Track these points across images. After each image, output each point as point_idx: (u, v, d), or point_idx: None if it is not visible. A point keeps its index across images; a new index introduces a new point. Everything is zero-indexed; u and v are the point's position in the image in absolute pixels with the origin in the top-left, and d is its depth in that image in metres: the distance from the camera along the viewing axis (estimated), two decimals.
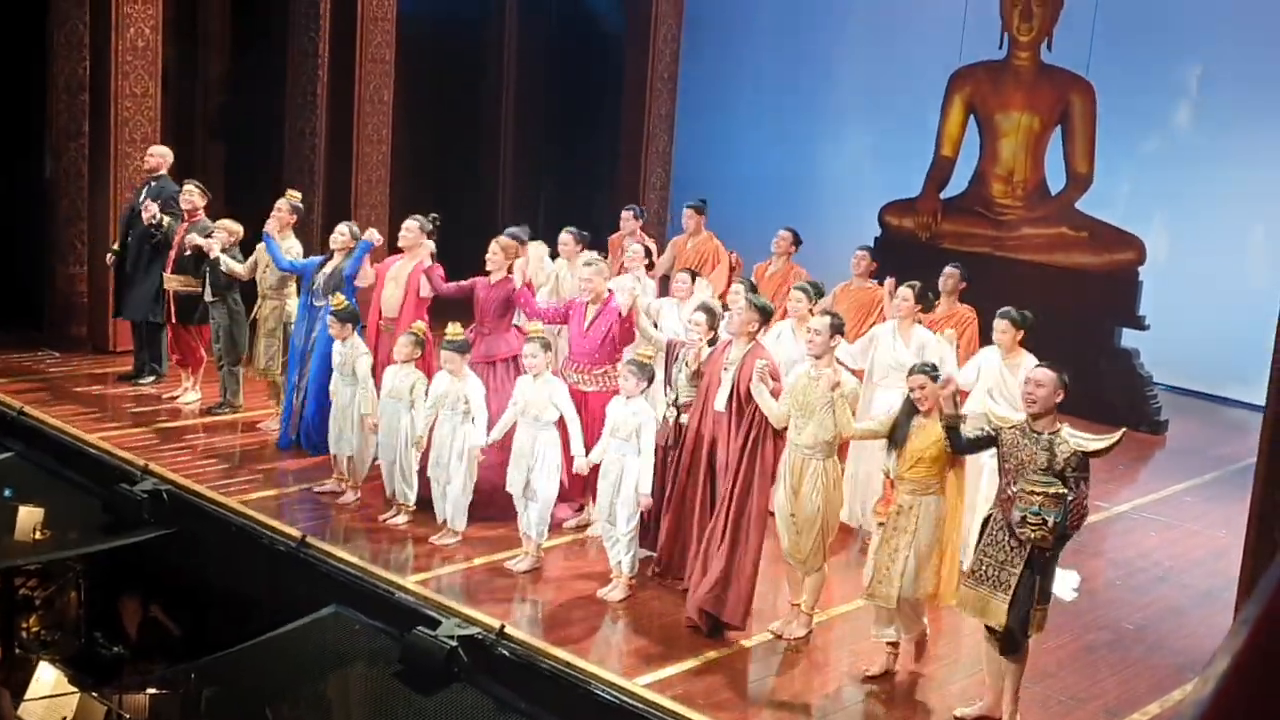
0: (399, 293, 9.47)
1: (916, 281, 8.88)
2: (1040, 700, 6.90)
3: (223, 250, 10.00)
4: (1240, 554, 7.45)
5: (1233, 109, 12.70)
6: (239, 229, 10.24)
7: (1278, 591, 1.17)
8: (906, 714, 6.66)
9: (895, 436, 6.70)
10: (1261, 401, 7.51)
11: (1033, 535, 6.02)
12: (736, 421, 7.36)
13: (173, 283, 10.43)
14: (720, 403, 7.42)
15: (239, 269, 10.03)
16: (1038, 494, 6.01)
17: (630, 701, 6.33)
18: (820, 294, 8.93)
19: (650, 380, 7.61)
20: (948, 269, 9.76)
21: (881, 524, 6.92)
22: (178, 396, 10.58)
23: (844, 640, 7.37)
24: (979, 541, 6.36)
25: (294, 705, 7.47)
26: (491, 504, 8.45)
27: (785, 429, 7.15)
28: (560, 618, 7.40)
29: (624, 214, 11.73)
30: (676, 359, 8.09)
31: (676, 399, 7.94)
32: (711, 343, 7.89)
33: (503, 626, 6.84)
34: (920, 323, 8.84)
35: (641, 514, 7.70)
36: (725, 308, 8.54)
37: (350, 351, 8.78)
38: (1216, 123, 12.86)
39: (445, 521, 8.21)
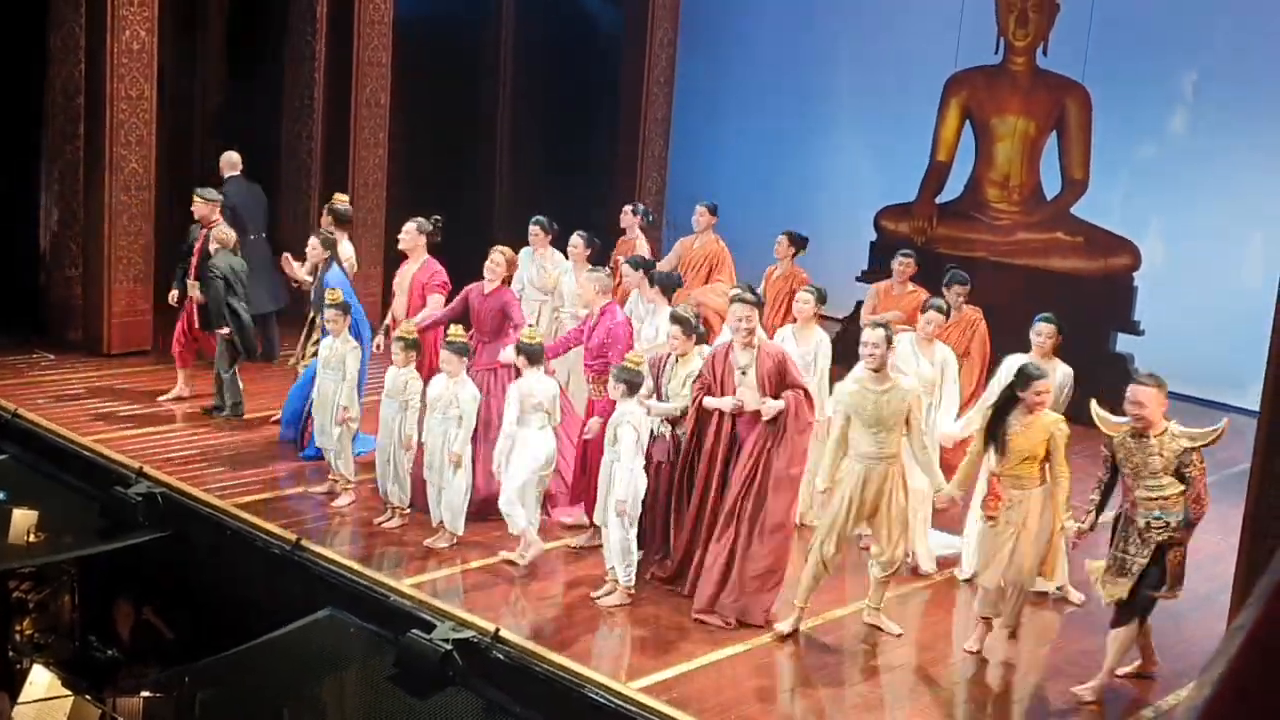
0: (404, 300, 9.55)
1: (943, 302, 8.99)
2: (1037, 703, 6.91)
3: (217, 252, 10.14)
4: (1235, 558, 7.46)
5: (1229, 114, 12.71)
6: (232, 235, 10.34)
7: (1273, 597, 1.17)
8: (901, 715, 6.67)
9: (994, 437, 6.88)
10: (1256, 407, 7.52)
11: (1160, 538, 6.51)
12: (758, 425, 7.47)
13: (195, 289, 10.42)
14: (752, 402, 7.46)
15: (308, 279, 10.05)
16: (1156, 499, 6.51)
17: (625, 705, 6.33)
18: (824, 299, 8.93)
19: (633, 387, 7.58)
20: (954, 274, 9.92)
21: (991, 519, 6.98)
22: (172, 395, 10.58)
23: (838, 644, 7.37)
24: (1112, 540, 6.77)
25: (289, 708, 7.46)
26: (489, 505, 8.46)
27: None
28: (556, 621, 7.41)
29: (625, 209, 11.86)
30: (663, 370, 8.05)
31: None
32: (699, 341, 7.96)
33: (498, 630, 6.84)
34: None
35: (641, 521, 7.75)
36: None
37: (341, 345, 8.79)
38: (1212, 128, 12.87)
39: (440, 524, 8.21)
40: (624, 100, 15.59)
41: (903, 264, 10.54)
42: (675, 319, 8.05)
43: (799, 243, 11.12)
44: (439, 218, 9.80)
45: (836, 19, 15.67)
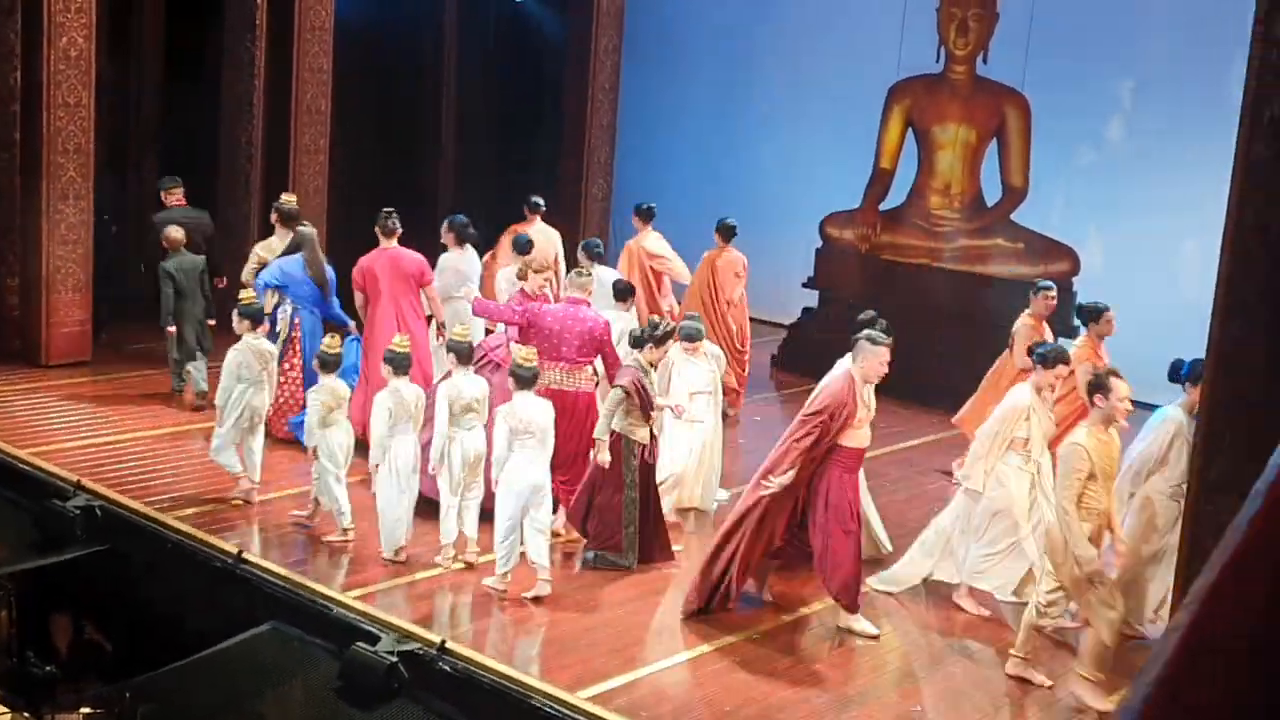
0: None
1: (1064, 351, 8.24)
2: (983, 704, 6.96)
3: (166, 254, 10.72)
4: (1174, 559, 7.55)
5: (1165, 122, 12.89)
6: (181, 235, 10.72)
7: (1205, 601, 1.18)
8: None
9: None
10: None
11: None
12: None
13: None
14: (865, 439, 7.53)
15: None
16: None
17: (573, 715, 6.32)
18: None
19: (520, 381, 7.67)
20: (1107, 311, 9.59)
21: None
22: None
23: (789, 648, 7.38)
24: None
25: None
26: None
27: None
28: (503, 632, 7.39)
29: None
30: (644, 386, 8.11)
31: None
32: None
33: (444, 641, 6.80)
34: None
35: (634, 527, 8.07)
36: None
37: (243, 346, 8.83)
38: (1149, 135, 13.05)
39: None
40: (568, 107, 15.58)
41: (1048, 298, 10.27)
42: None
43: (726, 232, 11.78)
44: (388, 210, 10.28)
45: (780, 29, 15.74)
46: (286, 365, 9.89)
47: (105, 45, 12.14)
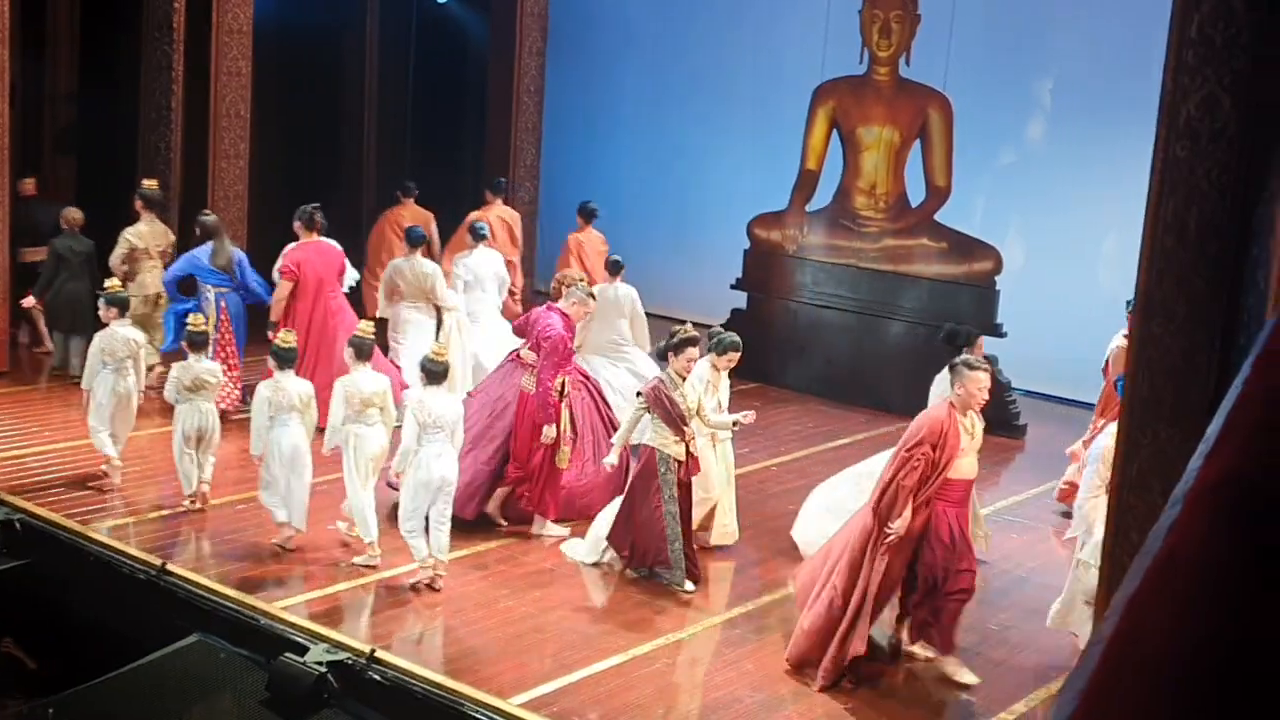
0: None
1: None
2: (908, 701, 7.02)
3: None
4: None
5: (1084, 122, 13.10)
6: (79, 215, 11.46)
7: (1127, 611, 1.18)
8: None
9: None
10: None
11: None
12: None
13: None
14: (971, 469, 7.23)
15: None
16: None
17: None
18: None
19: (431, 376, 7.74)
20: None
21: None
22: None
23: (720, 650, 7.40)
24: None
25: None
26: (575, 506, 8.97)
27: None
28: (433, 639, 7.34)
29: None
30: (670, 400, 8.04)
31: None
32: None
33: (373, 650, 6.74)
34: None
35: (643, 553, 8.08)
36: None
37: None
38: (1069, 135, 13.25)
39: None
40: (493, 110, 15.50)
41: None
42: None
43: (588, 214, 12.70)
44: (315, 205, 10.66)
45: (705, 31, 15.79)
46: (220, 350, 10.35)
47: (17, 49, 11.87)
